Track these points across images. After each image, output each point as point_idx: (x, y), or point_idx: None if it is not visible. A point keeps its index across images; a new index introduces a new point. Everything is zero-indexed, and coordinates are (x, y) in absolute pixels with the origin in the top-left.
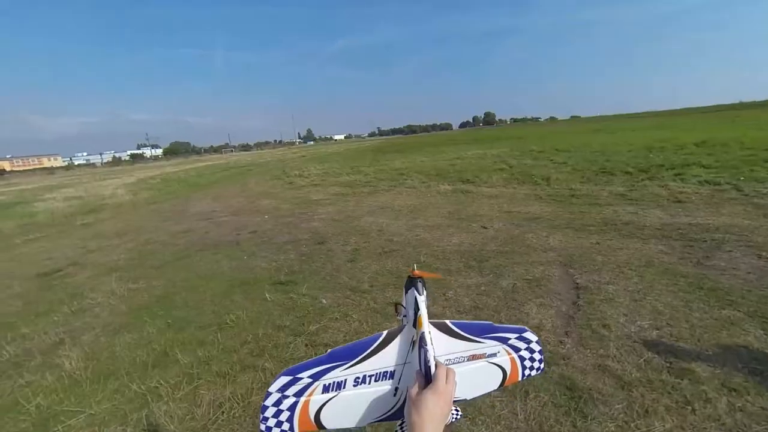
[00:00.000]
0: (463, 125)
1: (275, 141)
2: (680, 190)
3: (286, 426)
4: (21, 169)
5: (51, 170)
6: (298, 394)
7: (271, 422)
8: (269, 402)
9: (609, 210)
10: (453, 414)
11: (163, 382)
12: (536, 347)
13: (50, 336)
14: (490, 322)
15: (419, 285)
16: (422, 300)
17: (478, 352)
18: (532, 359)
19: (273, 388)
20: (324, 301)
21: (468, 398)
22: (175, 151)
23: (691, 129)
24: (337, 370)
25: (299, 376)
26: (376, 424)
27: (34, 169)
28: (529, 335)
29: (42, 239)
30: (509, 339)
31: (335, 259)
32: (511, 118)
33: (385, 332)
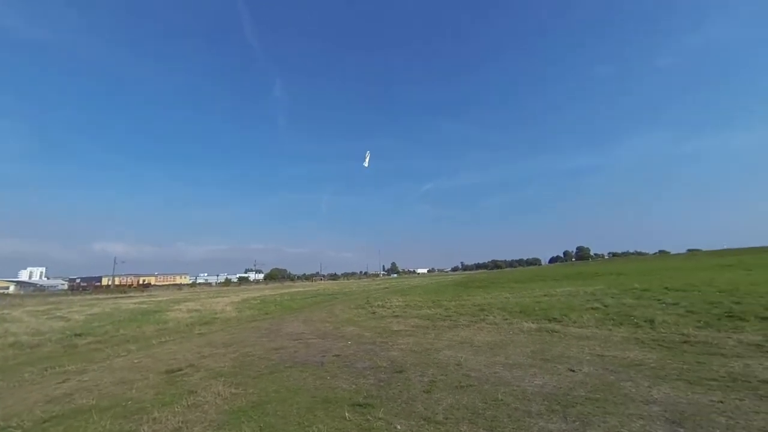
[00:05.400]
0: (553, 260)
1: (361, 272)
2: None
3: None
4: (161, 283)
5: (180, 286)
6: None
7: None
8: None
9: (738, 363)
10: None
11: None
12: None
13: (172, 423)
14: None
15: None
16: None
17: None
18: None
19: None
20: (398, 427)
21: None
22: (273, 276)
23: None
24: None
25: None
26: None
27: (169, 285)
28: None
29: (170, 342)
30: None
31: (412, 389)
32: (609, 252)
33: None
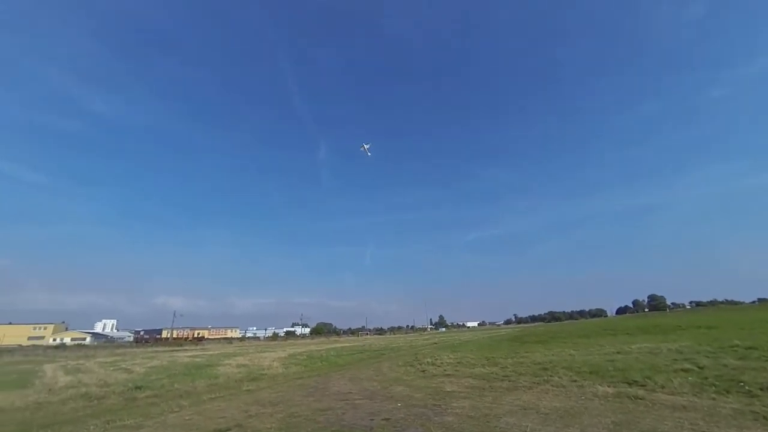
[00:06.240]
0: (620, 311)
1: (407, 326)
2: None
3: None
4: (213, 337)
5: (230, 340)
6: None
7: None
8: None
9: None
10: None
11: None
12: None
13: None
14: None
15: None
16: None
17: None
18: None
19: None
20: None
21: None
22: (319, 330)
23: None
24: None
25: None
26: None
27: (220, 338)
28: None
29: (219, 399)
30: None
31: None
32: (691, 301)
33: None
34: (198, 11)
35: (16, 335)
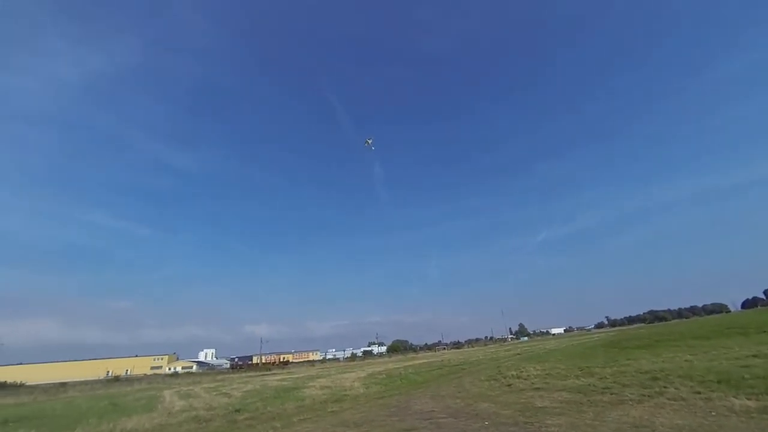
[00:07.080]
0: (748, 304)
1: (486, 338)
2: None
3: None
4: (297, 360)
5: (312, 363)
6: None
7: None
8: None
9: None
10: None
11: None
12: None
13: None
14: None
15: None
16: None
17: None
18: None
19: None
20: None
21: None
22: (395, 348)
23: None
24: None
25: None
26: None
27: (303, 362)
28: None
29: (308, 420)
30: None
31: None
32: None
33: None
34: (249, 64)
35: (141, 366)
